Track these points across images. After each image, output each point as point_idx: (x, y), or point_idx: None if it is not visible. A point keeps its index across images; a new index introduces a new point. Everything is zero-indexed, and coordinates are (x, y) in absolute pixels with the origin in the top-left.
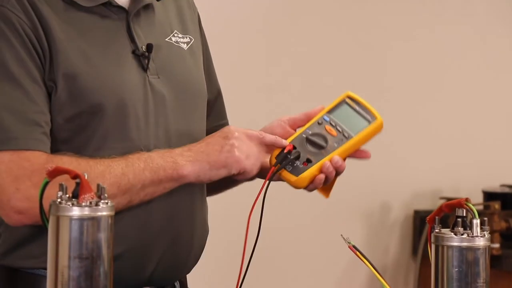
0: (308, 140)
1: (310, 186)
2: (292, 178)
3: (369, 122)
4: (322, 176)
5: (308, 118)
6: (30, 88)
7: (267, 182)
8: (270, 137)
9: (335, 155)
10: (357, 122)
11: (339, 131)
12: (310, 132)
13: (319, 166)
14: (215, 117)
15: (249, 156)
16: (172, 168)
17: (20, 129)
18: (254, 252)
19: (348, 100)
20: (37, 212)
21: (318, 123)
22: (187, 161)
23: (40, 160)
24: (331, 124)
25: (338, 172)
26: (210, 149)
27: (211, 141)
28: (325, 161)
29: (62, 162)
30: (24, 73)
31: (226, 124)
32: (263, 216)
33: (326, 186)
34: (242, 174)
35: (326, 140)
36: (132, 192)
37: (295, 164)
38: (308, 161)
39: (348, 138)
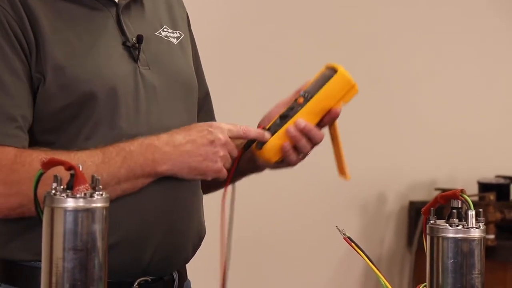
0: (280, 116)
1: (284, 158)
2: (258, 151)
3: (329, 76)
4: (287, 143)
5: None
6: (8, 80)
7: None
8: (253, 132)
9: (298, 118)
10: (320, 82)
11: (305, 97)
12: (284, 109)
13: (282, 133)
14: (204, 118)
15: (229, 158)
16: (150, 167)
17: None
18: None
19: (324, 70)
20: (4, 207)
21: (295, 100)
22: (168, 160)
23: (9, 156)
24: (302, 95)
25: (310, 137)
26: (194, 152)
27: (197, 139)
28: (288, 126)
29: (31, 158)
30: (3, 65)
31: None
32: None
33: (340, 165)
34: (217, 178)
35: (293, 109)
36: (105, 189)
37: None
38: (275, 132)
39: (309, 98)
